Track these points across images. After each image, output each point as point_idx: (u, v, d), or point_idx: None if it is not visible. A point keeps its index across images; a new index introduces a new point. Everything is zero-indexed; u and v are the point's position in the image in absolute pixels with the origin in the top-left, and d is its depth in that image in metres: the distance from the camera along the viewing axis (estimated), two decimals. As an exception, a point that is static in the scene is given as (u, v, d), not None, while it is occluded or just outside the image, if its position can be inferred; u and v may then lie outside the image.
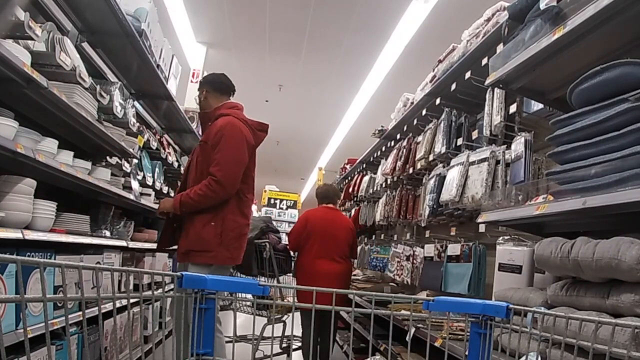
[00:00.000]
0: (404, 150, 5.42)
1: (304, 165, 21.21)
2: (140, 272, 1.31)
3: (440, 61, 4.58)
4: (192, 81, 10.04)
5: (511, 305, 1.33)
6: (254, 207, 31.79)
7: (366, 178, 7.74)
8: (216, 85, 4.11)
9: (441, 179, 4.09)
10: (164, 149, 6.13)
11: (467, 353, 1.37)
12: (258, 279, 3.98)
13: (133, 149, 4.57)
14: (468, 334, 1.40)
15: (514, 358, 1.73)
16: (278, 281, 5.33)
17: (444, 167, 4.23)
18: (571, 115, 2.14)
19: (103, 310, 3.23)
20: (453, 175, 3.75)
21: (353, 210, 8.54)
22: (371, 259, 6.85)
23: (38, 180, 3.01)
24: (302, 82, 11.94)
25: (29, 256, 2.90)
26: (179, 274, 1.33)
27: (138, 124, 4.80)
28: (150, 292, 1.34)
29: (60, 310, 3.31)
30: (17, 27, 2.74)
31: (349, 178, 9.99)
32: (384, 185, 6.44)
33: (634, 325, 1.18)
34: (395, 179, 5.81)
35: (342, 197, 9.57)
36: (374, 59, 10.13)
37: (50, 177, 3.32)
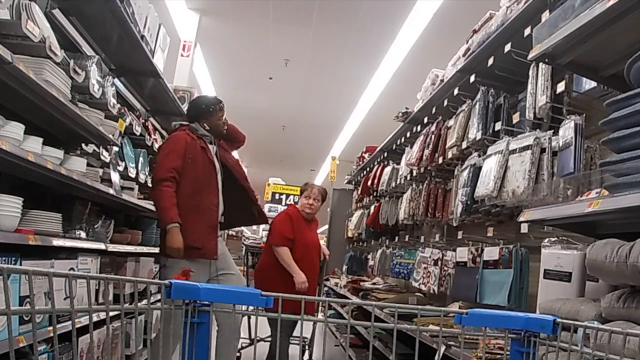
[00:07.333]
0: (433, 137, 5.41)
1: (315, 154, 21.20)
2: (121, 280, 1.32)
3: (475, 31, 4.57)
4: (182, 55, 9.99)
5: (559, 319, 1.33)
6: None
7: (388, 169, 7.75)
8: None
9: (476, 170, 4.09)
10: (149, 134, 6.14)
11: (506, 375, 1.38)
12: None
13: (113, 135, 4.57)
14: (508, 353, 1.40)
15: (561, 382, 1.72)
16: None
17: (479, 156, 4.23)
18: (630, 95, 2.12)
19: (78, 325, 3.23)
20: (490, 166, 3.74)
21: (372, 207, 8.53)
22: (393, 264, 6.86)
23: (1, 171, 3.03)
24: (312, 56, 11.90)
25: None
26: (167, 282, 1.33)
27: (119, 106, 4.81)
28: (133, 304, 1.34)
29: (27, 325, 3.32)
30: (-25, -8, 2.76)
31: (368, 169, 10.00)
32: (408, 178, 6.45)
33: None
34: (422, 170, 5.82)
35: (360, 192, 9.59)
36: (397, 29, 10.06)
37: (15, 168, 3.32)
